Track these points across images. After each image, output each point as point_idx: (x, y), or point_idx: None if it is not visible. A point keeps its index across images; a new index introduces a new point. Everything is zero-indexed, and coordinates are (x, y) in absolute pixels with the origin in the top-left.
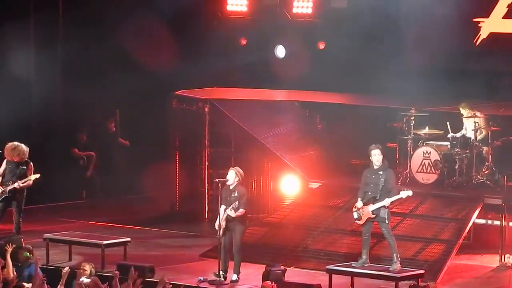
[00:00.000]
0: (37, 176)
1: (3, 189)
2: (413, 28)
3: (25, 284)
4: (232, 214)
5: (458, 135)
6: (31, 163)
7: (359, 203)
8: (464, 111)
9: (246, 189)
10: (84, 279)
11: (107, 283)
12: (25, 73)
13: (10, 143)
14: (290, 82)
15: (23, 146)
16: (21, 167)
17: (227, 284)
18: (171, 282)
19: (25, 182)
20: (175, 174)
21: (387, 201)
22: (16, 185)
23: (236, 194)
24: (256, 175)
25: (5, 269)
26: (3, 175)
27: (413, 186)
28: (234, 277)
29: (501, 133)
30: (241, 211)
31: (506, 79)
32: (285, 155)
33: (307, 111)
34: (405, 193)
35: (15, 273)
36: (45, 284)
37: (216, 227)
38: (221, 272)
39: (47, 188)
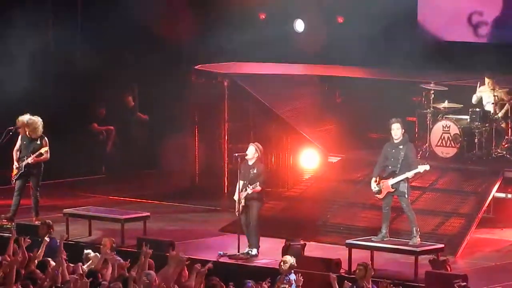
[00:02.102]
0: (46, 148)
1: (18, 166)
2: (433, 1)
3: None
4: (250, 191)
5: (477, 108)
6: (46, 138)
7: (373, 185)
8: (490, 81)
9: (265, 166)
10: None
11: (129, 260)
12: (43, 48)
13: (25, 116)
14: (309, 56)
15: (36, 119)
16: (35, 142)
17: (247, 258)
18: (190, 256)
19: (38, 156)
20: (194, 148)
21: (406, 175)
22: (29, 160)
23: (255, 171)
24: (275, 149)
25: None
26: (19, 151)
27: (432, 160)
28: (254, 251)
29: None
30: (257, 188)
31: None
32: (304, 129)
33: (326, 85)
34: (422, 167)
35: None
36: (65, 261)
37: (236, 199)
38: (248, 249)
39: (66, 163)
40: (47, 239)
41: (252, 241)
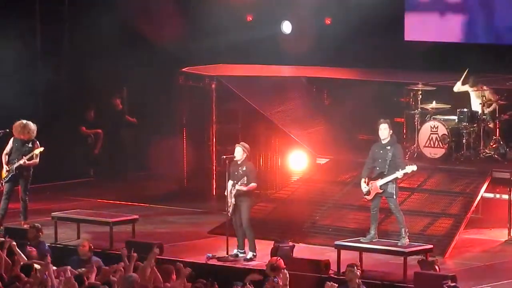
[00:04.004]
0: (41, 149)
1: (9, 168)
2: (420, 2)
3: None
4: (243, 188)
5: (465, 109)
6: (38, 142)
7: (363, 185)
8: (475, 88)
9: (254, 165)
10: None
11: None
12: (31, 51)
13: (19, 121)
14: (296, 58)
15: (31, 124)
16: (27, 145)
17: (235, 260)
18: (178, 259)
19: (30, 159)
20: (182, 151)
21: (394, 176)
22: (22, 161)
23: (244, 169)
24: (264, 151)
25: None
26: (9, 154)
27: (420, 160)
28: (250, 255)
29: (509, 107)
30: (252, 185)
31: None
32: (293, 131)
33: (314, 86)
34: (410, 168)
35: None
36: (51, 266)
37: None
38: (238, 251)
39: (55, 166)
40: (13, 243)
41: (249, 245)
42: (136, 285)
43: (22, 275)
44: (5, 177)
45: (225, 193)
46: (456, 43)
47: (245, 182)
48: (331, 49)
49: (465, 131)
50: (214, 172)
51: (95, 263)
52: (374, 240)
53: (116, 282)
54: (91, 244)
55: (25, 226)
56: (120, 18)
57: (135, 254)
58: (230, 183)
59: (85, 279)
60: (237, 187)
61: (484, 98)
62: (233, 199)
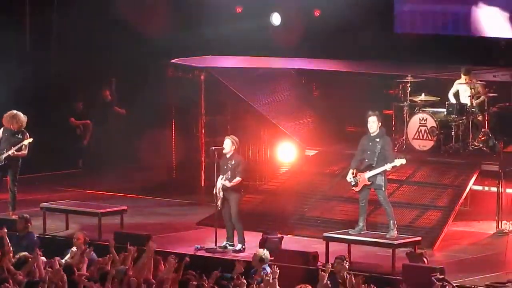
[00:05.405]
0: (30, 140)
1: None
2: None
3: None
4: (227, 184)
5: (453, 101)
6: (27, 133)
7: (349, 176)
8: (466, 77)
9: (243, 158)
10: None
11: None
12: (20, 42)
13: (9, 111)
14: (285, 50)
15: (21, 114)
16: (17, 136)
17: (223, 251)
18: (167, 250)
19: (19, 149)
20: (171, 142)
21: (382, 168)
22: (10, 152)
23: (233, 163)
24: (253, 142)
25: None
26: None
27: (409, 153)
28: (239, 246)
29: (498, 99)
30: (237, 179)
31: (502, 45)
32: (281, 123)
33: (303, 78)
34: (399, 161)
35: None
36: (40, 256)
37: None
38: (227, 242)
39: (44, 157)
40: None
41: (238, 237)
42: (128, 277)
43: (12, 267)
44: None
45: (214, 189)
46: (445, 36)
47: (229, 177)
48: (320, 41)
49: (454, 124)
50: (203, 164)
51: (86, 254)
52: (362, 232)
53: (111, 273)
54: (86, 236)
55: (14, 217)
56: (109, 9)
57: (132, 247)
58: (220, 177)
59: (75, 270)
60: (222, 182)
61: (473, 91)
62: (221, 193)
